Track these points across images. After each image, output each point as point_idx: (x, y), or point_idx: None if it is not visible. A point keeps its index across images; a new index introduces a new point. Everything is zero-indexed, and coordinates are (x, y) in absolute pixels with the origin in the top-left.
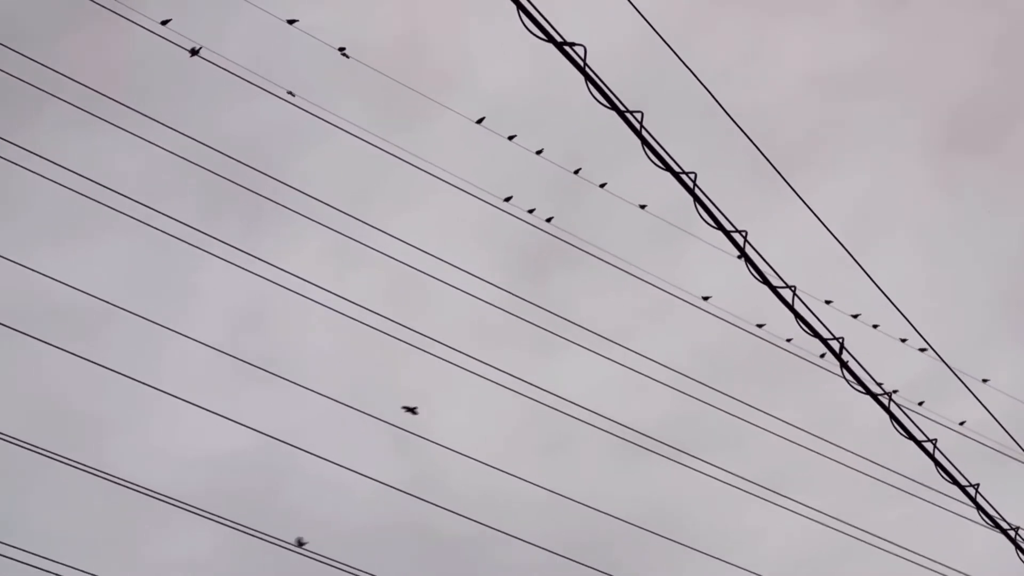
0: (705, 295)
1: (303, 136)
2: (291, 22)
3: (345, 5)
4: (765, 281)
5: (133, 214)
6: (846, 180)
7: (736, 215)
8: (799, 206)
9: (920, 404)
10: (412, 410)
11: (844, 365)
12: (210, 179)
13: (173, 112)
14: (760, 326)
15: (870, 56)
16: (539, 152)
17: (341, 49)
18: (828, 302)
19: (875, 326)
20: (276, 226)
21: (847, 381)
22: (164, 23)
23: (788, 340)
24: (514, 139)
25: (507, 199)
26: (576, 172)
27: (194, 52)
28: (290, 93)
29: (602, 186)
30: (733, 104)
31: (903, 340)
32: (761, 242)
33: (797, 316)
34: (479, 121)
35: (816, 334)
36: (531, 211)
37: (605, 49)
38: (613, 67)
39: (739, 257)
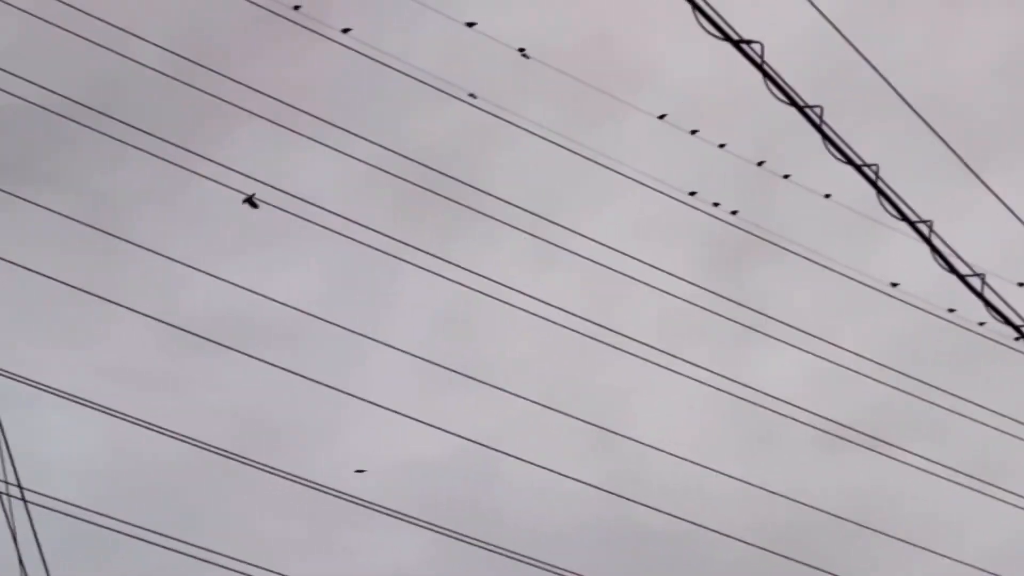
0: (894, 282)
1: (491, 140)
2: (470, 25)
3: (521, 7)
4: (952, 270)
5: (329, 225)
6: None
7: (924, 205)
8: (989, 193)
9: None
10: (252, 201)
11: None
12: (403, 187)
13: (362, 121)
14: (951, 311)
15: None
16: (722, 146)
17: (521, 50)
18: (1022, 285)
19: None
20: (470, 231)
21: None
22: (345, 31)
23: (981, 324)
24: (696, 133)
25: (691, 193)
26: (760, 164)
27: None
28: (471, 96)
29: (786, 177)
30: (919, 92)
31: None
32: (950, 230)
33: (987, 304)
34: (661, 117)
35: (1008, 321)
36: (716, 204)
37: (783, 44)
38: (792, 62)
39: (931, 249)
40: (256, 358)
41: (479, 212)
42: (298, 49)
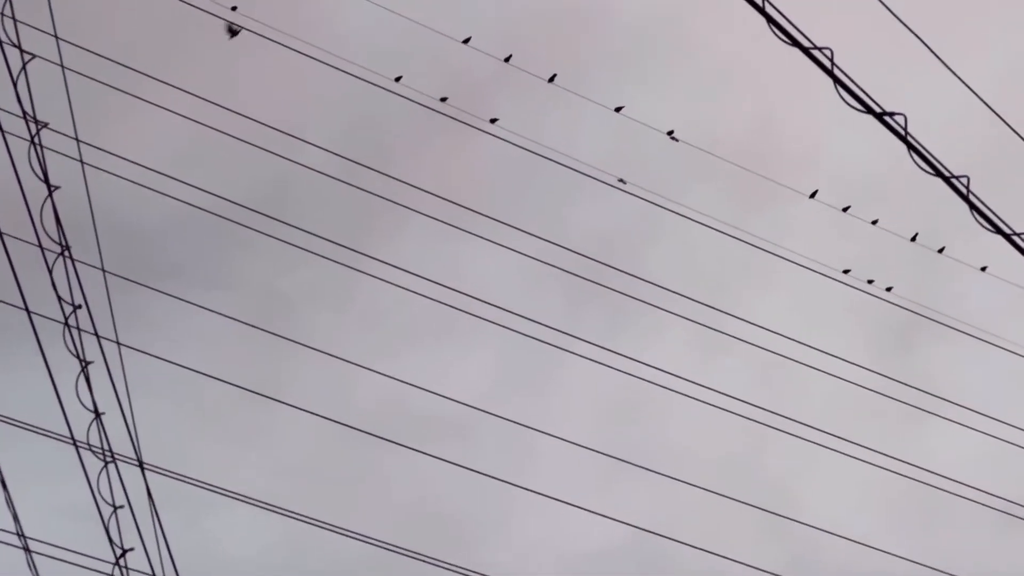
0: None
1: (653, 227)
2: (617, 110)
3: (666, 89)
4: None
5: (496, 319)
6: None
7: None
8: None
9: None
10: (232, 30)
11: None
12: (568, 278)
13: (525, 213)
14: None
15: None
16: (874, 222)
17: (670, 133)
18: None
19: None
20: (636, 319)
21: None
22: (492, 121)
23: None
24: (847, 210)
25: (845, 271)
26: (912, 239)
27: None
28: (621, 180)
29: (940, 251)
30: None
31: None
32: None
33: None
34: (812, 195)
35: None
36: (870, 281)
37: (929, 115)
38: (938, 132)
39: None
40: (427, 453)
41: (644, 301)
42: (458, 143)
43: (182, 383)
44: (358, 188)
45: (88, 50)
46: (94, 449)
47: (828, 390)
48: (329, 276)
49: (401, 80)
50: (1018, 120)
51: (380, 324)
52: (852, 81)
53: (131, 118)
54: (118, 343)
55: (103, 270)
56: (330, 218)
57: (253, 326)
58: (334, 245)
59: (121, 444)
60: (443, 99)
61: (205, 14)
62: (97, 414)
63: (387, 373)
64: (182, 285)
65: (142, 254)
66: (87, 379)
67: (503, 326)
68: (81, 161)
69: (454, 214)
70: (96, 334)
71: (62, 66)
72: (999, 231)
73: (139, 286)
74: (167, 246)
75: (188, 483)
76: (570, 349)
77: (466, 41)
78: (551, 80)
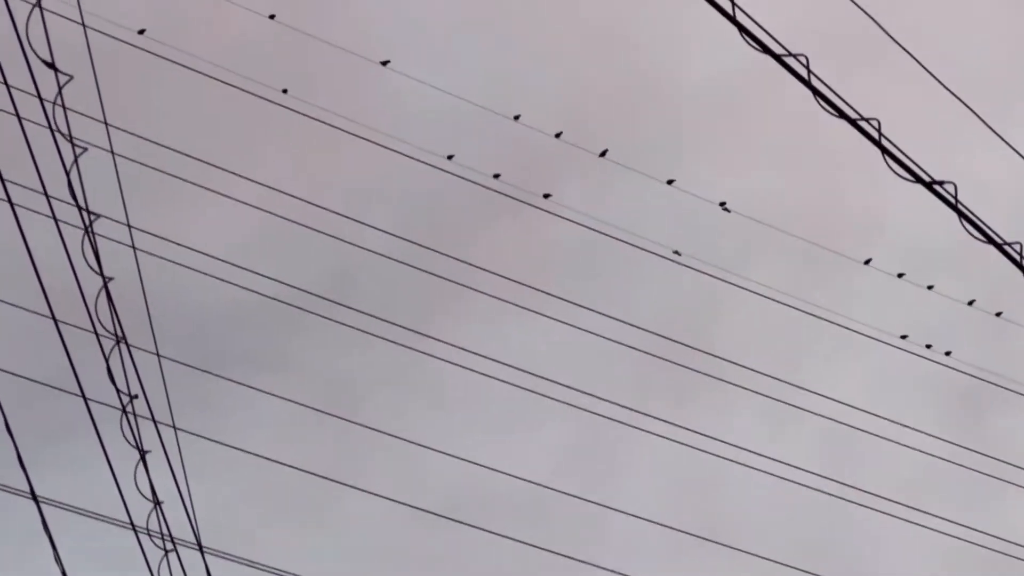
0: None
1: (720, 302)
2: (669, 182)
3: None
4: None
5: (564, 399)
6: None
7: None
8: None
9: None
10: None
11: None
12: (636, 356)
13: (587, 291)
14: None
15: None
16: (930, 287)
17: (722, 204)
18: None
19: None
20: (706, 395)
21: None
22: (545, 196)
23: None
24: (902, 276)
25: (927, 345)
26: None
27: None
28: (676, 253)
29: (998, 315)
30: None
31: None
32: None
33: None
34: (866, 262)
35: None
36: (928, 346)
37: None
38: (990, 199)
39: None
40: (499, 534)
41: (711, 376)
42: (515, 220)
43: (248, 469)
44: (420, 270)
45: (145, 138)
46: (153, 536)
47: (900, 460)
48: (394, 359)
49: (454, 159)
50: None
51: (446, 405)
52: (900, 151)
53: (194, 205)
54: (175, 428)
55: (158, 355)
56: (394, 301)
57: (315, 408)
58: (399, 328)
59: (183, 530)
60: (496, 175)
61: (264, 101)
62: (156, 502)
63: (455, 454)
64: (247, 371)
65: (207, 342)
66: (146, 468)
67: (571, 404)
68: (134, 247)
69: (516, 293)
70: (154, 420)
71: (112, 152)
72: None
73: (203, 373)
74: (232, 334)
75: (251, 567)
76: (639, 426)
77: (517, 118)
78: (602, 155)
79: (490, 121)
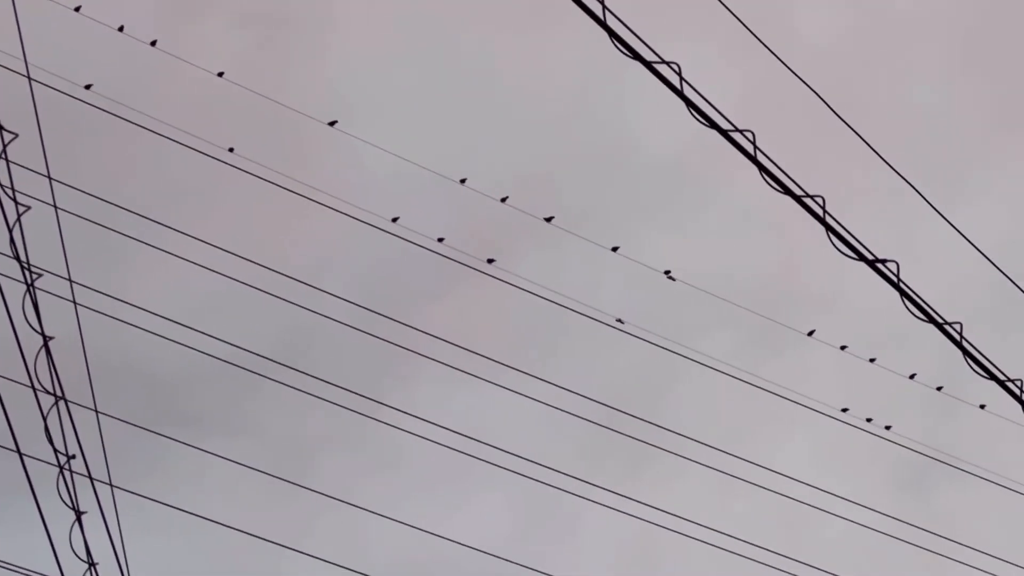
0: None
1: (668, 372)
2: (614, 249)
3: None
4: None
5: (512, 466)
6: None
7: None
8: None
9: None
10: None
11: None
12: (585, 426)
13: (538, 360)
14: None
15: None
16: (872, 360)
17: (667, 272)
18: None
19: None
20: (654, 466)
21: None
22: (489, 261)
23: None
24: (844, 348)
25: (843, 409)
26: (939, 389)
27: None
28: (619, 320)
29: (939, 389)
30: None
31: None
32: None
33: None
34: (809, 333)
35: None
36: (869, 419)
37: (920, 263)
38: (934, 279)
39: None
40: None
41: (661, 448)
42: (463, 287)
43: (191, 531)
44: (372, 335)
45: (91, 194)
46: None
47: (848, 536)
48: (345, 424)
49: (399, 221)
50: (1013, 267)
51: (396, 471)
52: (844, 228)
53: (143, 264)
54: (112, 487)
55: (96, 412)
56: (346, 366)
57: (262, 471)
58: (350, 393)
59: None
60: (440, 239)
61: (212, 160)
62: (91, 563)
63: (403, 520)
64: (194, 433)
65: (154, 402)
66: (81, 528)
67: (519, 473)
68: (75, 304)
69: (467, 360)
70: (91, 479)
71: (55, 207)
72: (992, 377)
73: (147, 434)
74: (181, 395)
75: None
76: (587, 496)
77: (463, 181)
78: (548, 220)
79: (438, 184)
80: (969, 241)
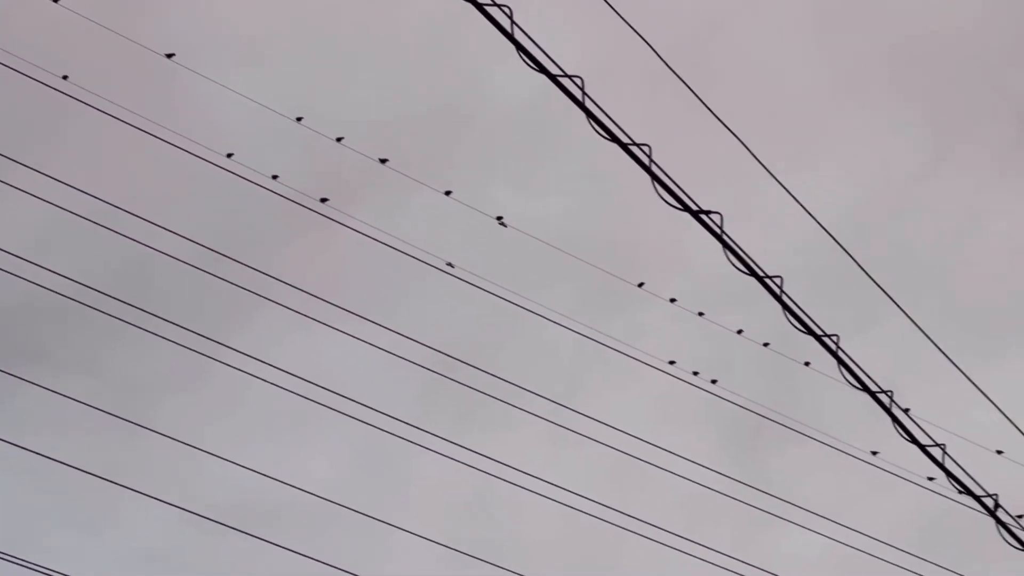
0: (874, 450)
1: (510, 326)
2: (447, 193)
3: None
4: (967, 491)
5: (350, 412)
6: None
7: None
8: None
9: None
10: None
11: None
12: (423, 374)
13: (384, 309)
14: (931, 479)
15: None
16: (700, 314)
17: (499, 218)
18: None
19: None
20: (489, 416)
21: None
22: (323, 200)
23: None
24: (674, 301)
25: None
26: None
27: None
28: (449, 264)
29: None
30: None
31: None
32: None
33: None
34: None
35: (967, 490)
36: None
37: (753, 221)
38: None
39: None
40: (276, 544)
41: (496, 398)
42: (320, 239)
43: (24, 468)
44: (215, 276)
45: None
46: None
47: (679, 492)
48: (186, 364)
49: (232, 156)
50: (848, 234)
51: (233, 413)
52: (669, 178)
53: None
54: None
55: None
56: (188, 306)
57: (102, 410)
58: (190, 333)
59: None
60: (274, 177)
61: (49, 89)
62: None
63: (239, 462)
64: (30, 369)
65: None
66: None
67: (355, 418)
68: None
69: (311, 306)
70: None
71: None
72: (810, 332)
73: None
74: (18, 329)
75: (24, 567)
76: (421, 443)
77: (299, 119)
78: (383, 162)
79: (276, 123)
80: (794, 197)
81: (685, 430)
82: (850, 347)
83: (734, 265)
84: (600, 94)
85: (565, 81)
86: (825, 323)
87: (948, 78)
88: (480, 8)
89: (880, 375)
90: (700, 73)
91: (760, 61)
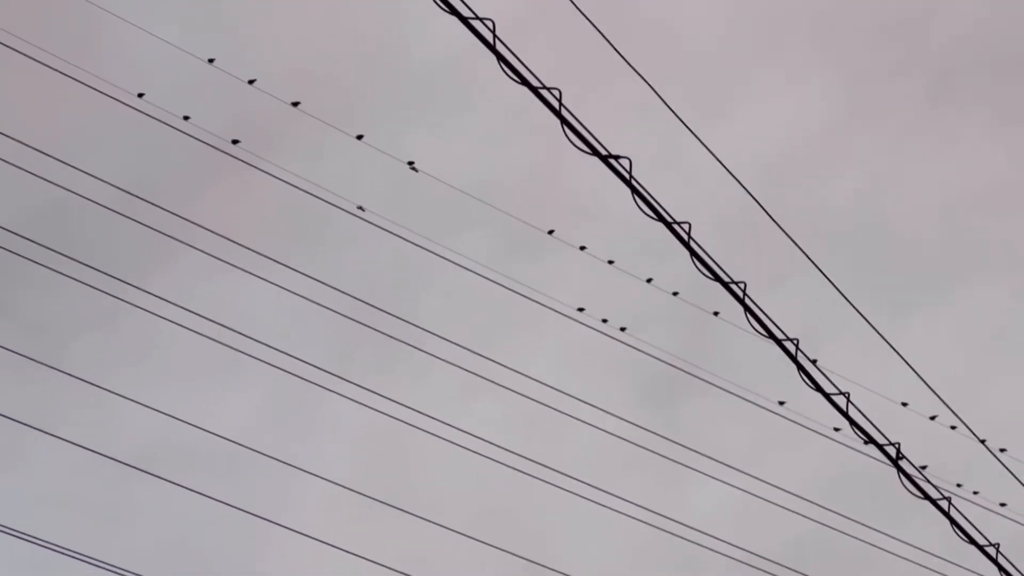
0: (781, 400)
1: (424, 273)
2: (359, 137)
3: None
4: (870, 440)
5: (262, 356)
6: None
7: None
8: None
9: None
10: None
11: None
12: (337, 319)
13: (299, 255)
14: (836, 429)
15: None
16: (611, 262)
17: (410, 163)
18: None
19: None
20: (402, 363)
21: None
22: (234, 142)
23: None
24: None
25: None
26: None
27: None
28: (360, 208)
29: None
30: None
31: None
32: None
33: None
34: (550, 232)
35: (871, 439)
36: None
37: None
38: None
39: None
40: (186, 487)
41: (410, 345)
42: (236, 184)
43: None
44: (129, 218)
45: None
46: None
47: (591, 441)
48: (100, 307)
49: (143, 96)
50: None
51: (146, 356)
52: (579, 122)
53: None
54: None
55: None
56: (101, 248)
57: (15, 352)
58: (105, 276)
59: None
60: (186, 118)
61: None
62: None
63: (153, 406)
64: None
65: None
66: None
67: (268, 363)
68: None
69: (226, 250)
70: None
71: None
72: (717, 278)
73: None
74: None
75: None
76: (334, 389)
77: (211, 61)
78: (295, 105)
79: (188, 64)
80: (705, 146)
81: (598, 379)
82: (761, 299)
83: (642, 210)
84: (513, 39)
85: (476, 24)
86: (736, 274)
87: (865, 34)
88: None
89: (790, 328)
90: (617, 22)
91: (679, 12)
